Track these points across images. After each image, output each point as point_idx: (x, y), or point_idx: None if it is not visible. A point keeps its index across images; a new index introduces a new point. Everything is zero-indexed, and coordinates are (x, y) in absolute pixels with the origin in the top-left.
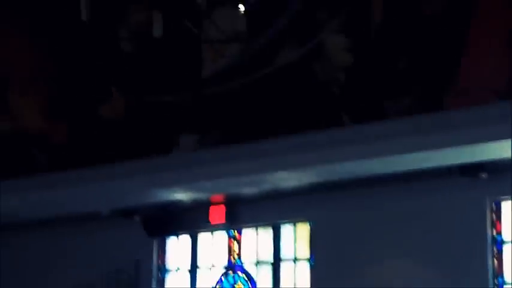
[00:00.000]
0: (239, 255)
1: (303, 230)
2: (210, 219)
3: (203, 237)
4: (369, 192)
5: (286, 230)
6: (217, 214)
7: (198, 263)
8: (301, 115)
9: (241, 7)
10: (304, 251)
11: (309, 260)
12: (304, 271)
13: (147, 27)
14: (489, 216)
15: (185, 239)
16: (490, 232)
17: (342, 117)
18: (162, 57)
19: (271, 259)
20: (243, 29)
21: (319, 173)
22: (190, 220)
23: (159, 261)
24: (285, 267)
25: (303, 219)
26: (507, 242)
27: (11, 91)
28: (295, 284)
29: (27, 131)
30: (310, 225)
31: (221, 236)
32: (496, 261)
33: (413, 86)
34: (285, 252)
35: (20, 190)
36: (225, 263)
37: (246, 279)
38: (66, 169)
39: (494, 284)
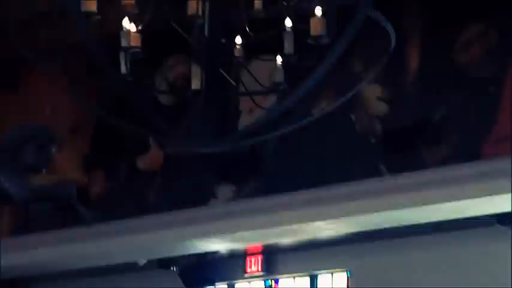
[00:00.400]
0: None
1: (341, 279)
2: (247, 269)
3: (240, 287)
4: (406, 241)
5: (323, 279)
6: (254, 264)
7: None
8: (338, 165)
9: (279, 58)
10: None
11: None
12: None
13: (185, 80)
14: None
15: None
16: None
17: (379, 166)
18: (200, 109)
19: None
20: (281, 80)
21: (357, 222)
22: (227, 270)
23: None
24: None
25: (340, 269)
26: None
27: None
28: None
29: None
30: (347, 274)
31: (258, 285)
32: None
33: (450, 135)
34: None
35: (59, 242)
36: None
37: None
38: (104, 221)
39: None
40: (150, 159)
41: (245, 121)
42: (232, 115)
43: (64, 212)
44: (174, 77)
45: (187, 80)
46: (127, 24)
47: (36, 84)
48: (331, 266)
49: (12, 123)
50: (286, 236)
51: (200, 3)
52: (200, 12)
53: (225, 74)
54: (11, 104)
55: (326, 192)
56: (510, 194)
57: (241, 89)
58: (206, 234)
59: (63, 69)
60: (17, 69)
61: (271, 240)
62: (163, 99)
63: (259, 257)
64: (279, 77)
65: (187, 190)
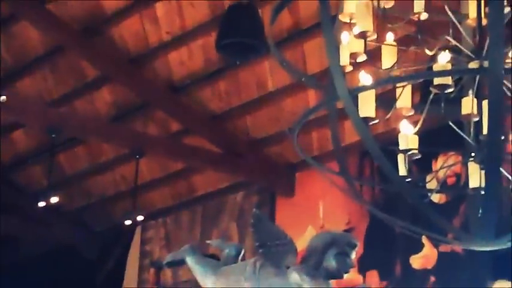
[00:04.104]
0: None
1: None
2: None
3: None
4: None
5: None
6: None
7: None
8: None
9: None
10: None
11: None
12: None
13: (455, 177)
14: None
15: None
16: None
17: None
18: (479, 207)
19: None
20: None
21: None
22: None
23: None
24: None
25: None
26: None
27: None
28: None
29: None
30: None
31: None
32: None
33: None
34: None
35: None
36: None
37: None
38: None
39: None
40: (424, 257)
41: None
42: (507, 210)
43: None
44: (446, 175)
45: (458, 178)
46: (405, 127)
47: (310, 187)
48: None
49: (289, 227)
50: None
51: (474, 101)
52: (475, 111)
53: (503, 171)
54: (288, 207)
55: None
56: None
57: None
58: None
59: (339, 170)
60: (293, 174)
61: None
62: (434, 197)
63: None
64: None
65: None
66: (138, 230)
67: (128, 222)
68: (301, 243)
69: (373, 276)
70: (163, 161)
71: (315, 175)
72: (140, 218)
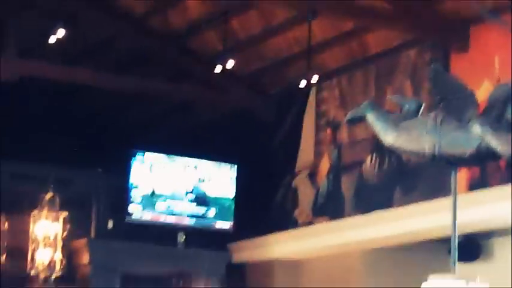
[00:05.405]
0: None
1: None
2: None
3: None
4: None
5: None
6: None
7: None
8: None
9: None
10: None
11: None
12: None
13: None
14: None
15: None
16: None
17: None
18: None
19: None
20: None
21: None
22: None
23: None
24: None
25: None
26: None
27: None
28: None
29: None
30: None
31: None
32: None
33: None
34: None
35: None
36: None
37: None
38: None
39: None
40: None
41: None
42: None
43: None
44: None
45: None
46: None
47: (486, 41)
48: None
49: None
50: None
51: None
52: None
53: None
54: (463, 62)
55: None
56: None
57: None
58: None
59: None
60: (467, 28)
61: None
62: None
63: None
64: None
65: None
66: (313, 90)
67: (302, 83)
68: (478, 97)
69: None
70: (336, 21)
71: (490, 28)
72: (315, 78)
